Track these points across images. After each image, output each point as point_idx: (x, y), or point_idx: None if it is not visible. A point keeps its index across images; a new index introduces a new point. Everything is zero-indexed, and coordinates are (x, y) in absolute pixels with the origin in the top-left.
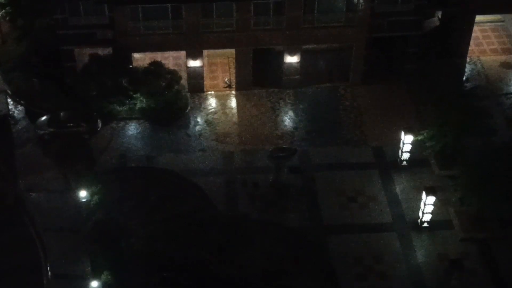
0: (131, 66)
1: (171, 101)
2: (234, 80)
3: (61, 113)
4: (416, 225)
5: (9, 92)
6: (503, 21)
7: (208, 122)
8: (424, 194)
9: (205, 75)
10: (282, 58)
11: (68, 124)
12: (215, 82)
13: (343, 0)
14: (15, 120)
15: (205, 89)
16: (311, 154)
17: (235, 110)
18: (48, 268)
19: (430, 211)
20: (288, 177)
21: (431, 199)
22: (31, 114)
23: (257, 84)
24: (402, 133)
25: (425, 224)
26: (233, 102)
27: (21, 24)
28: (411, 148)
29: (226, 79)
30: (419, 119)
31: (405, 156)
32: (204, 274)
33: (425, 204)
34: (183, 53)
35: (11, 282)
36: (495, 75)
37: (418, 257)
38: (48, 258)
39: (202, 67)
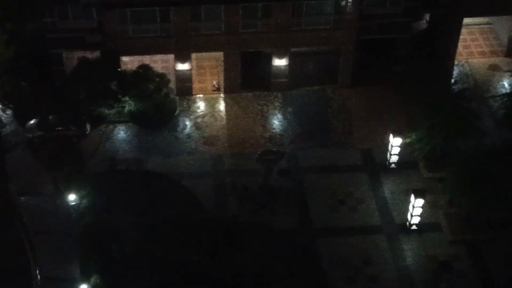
0: (119, 69)
1: (159, 104)
2: (223, 83)
3: (50, 117)
4: (405, 227)
5: None
6: (491, 24)
7: (196, 125)
8: (412, 196)
9: (193, 78)
10: (270, 61)
11: (57, 128)
12: (204, 85)
13: (331, 3)
14: (4, 124)
15: (193, 92)
16: (300, 156)
17: (223, 113)
18: (38, 271)
19: (419, 214)
20: (277, 179)
21: (420, 201)
22: (20, 118)
23: (246, 87)
24: (391, 135)
25: (414, 227)
26: (221, 105)
27: (10, 28)
28: (400, 150)
29: (214, 82)
30: (407, 122)
31: (394, 158)
32: (194, 277)
33: (413, 207)
34: (171, 56)
35: (0, 285)
36: (483, 77)
37: (407, 259)
38: (38, 261)
39: (190, 70)
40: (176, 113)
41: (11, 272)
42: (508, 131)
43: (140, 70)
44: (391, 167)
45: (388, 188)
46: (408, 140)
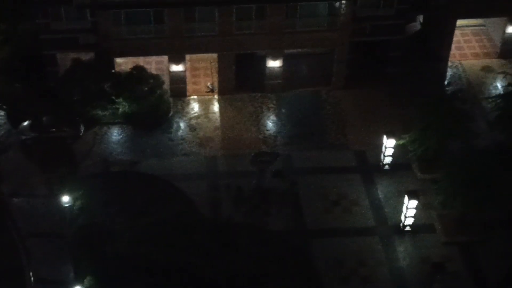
0: (113, 70)
1: (153, 105)
2: (217, 85)
3: (44, 118)
4: (399, 228)
5: None
6: (484, 26)
7: (191, 127)
8: (406, 197)
9: (187, 79)
10: (264, 62)
11: (51, 129)
12: (198, 86)
13: (325, 5)
14: None
15: (187, 94)
16: (294, 158)
17: (217, 115)
18: (31, 273)
19: (413, 215)
20: (271, 181)
21: (413, 202)
22: (14, 119)
23: (240, 88)
24: (385, 137)
25: (408, 228)
26: (215, 107)
27: (3, 29)
28: (394, 152)
29: (208, 84)
30: (401, 123)
31: (388, 160)
32: (189, 278)
33: (407, 208)
34: (165, 57)
35: None
36: (477, 79)
37: (401, 260)
38: (31, 263)
39: (184, 71)
40: (170, 115)
41: (4, 274)
42: (500, 133)
43: (134, 72)
44: (384, 168)
45: (381, 189)
46: (401, 142)
